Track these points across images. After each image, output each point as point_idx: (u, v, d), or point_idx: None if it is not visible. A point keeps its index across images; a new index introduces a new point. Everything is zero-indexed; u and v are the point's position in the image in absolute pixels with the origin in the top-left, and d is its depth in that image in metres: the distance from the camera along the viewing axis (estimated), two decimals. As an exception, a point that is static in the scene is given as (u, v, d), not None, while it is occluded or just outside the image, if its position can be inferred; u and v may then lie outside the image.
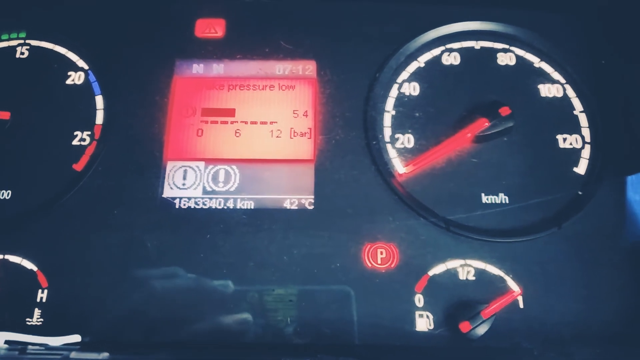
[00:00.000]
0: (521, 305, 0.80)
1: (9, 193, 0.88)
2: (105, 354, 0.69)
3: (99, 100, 0.93)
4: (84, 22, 0.98)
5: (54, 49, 0.97)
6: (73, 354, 0.69)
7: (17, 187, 0.88)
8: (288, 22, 0.97)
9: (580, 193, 0.86)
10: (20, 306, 0.80)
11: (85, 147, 0.90)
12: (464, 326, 0.76)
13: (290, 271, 0.81)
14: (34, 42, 0.98)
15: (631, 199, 0.87)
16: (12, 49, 0.98)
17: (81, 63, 0.96)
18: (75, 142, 0.91)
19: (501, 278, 0.81)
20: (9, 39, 0.98)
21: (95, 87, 0.94)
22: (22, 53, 0.97)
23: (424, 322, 0.79)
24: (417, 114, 0.91)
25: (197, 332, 0.78)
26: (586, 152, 0.90)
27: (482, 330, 0.76)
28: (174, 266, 0.81)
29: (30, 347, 0.71)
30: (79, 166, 0.89)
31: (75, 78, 0.95)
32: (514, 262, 0.82)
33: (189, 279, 0.80)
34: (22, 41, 0.98)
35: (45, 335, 0.75)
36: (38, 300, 0.81)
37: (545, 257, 0.83)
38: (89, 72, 0.95)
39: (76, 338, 0.75)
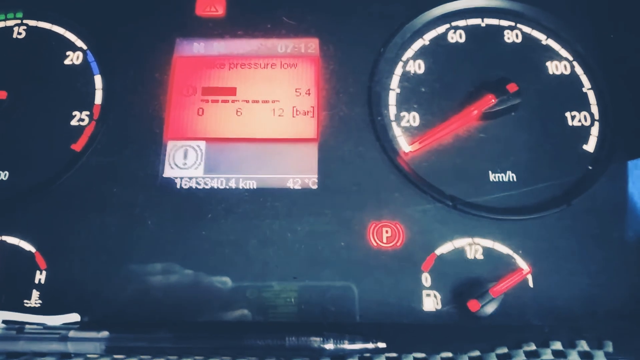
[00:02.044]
0: (531, 284, 0.78)
1: (6, 174, 0.86)
2: (105, 333, 0.68)
3: (98, 80, 0.92)
4: (82, 1, 0.96)
5: (52, 29, 0.95)
6: (72, 333, 0.67)
7: (14, 167, 0.86)
8: (290, -2, 0.95)
9: (590, 168, 0.84)
10: (18, 288, 0.79)
11: (84, 127, 0.89)
12: (473, 304, 0.74)
13: (294, 249, 0.79)
14: (31, 22, 0.96)
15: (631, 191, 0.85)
16: (9, 29, 0.96)
17: (79, 43, 0.94)
18: (73, 122, 0.89)
19: (510, 256, 0.80)
20: (6, 19, 0.97)
21: (94, 66, 0.93)
22: (19, 33, 0.96)
23: (431, 302, 0.78)
24: (422, 90, 0.89)
25: (199, 312, 0.76)
26: (595, 130, 0.88)
27: (490, 308, 0.74)
28: (171, 260, 0.79)
29: (28, 326, 0.70)
30: (77, 146, 0.87)
31: (74, 58, 0.93)
32: (523, 240, 0.80)
33: (186, 274, 0.79)
34: (19, 21, 0.96)
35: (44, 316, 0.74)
36: (36, 282, 0.79)
37: (554, 234, 0.81)
38: (88, 51, 0.94)
39: (75, 317, 0.73)
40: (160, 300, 0.78)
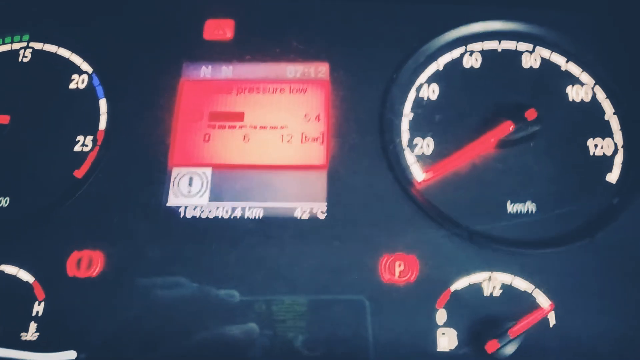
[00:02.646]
0: (553, 322, 0.74)
1: (7, 200, 0.84)
2: (101, 373, 0.64)
3: (103, 104, 0.89)
4: (88, 24, 0.94)
5: (57, 52, 0.94)
6: (66, 373, 0.64)
7: (15, 194, 0.84)
8: (300, 22, 0.92)
9: (615, 201, 0.79)
10: (15, 320, 0.76)
11: (87, 153, 0.86)
12: (491, 346, 0.70)
13: (301, 284, 0.75)
14: (37, 45, 0.95)
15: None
16: (15, 52, 0.95)
17: (85, 66, 0.93)
18: (77, 147, 0.87)
19: (530, 293, 0.75)
20: (12, 42, 0.95)
21: (99, 90, 0.91)
22: (25, 56, 0.94)
23: (446, 341, 0.73)
24: (437, 118, 0.86)
25: (200, 347, 0.72)
26: (619, 158, 0.84)
27: (510, 349, 0.70)
28: (177, 276, 0.76)
29: (21, 364, 0.67)
30: (80, 173, 0.85)
31: (79, 81, 0.92)
32: (544, 276, 0.76)
33: (192, 288, 0.75)
34: (25, 44, 0.95)
35: (40, 351, 0.71)
36: (34, 313, 0.76)
37: (577, 269, 0.76)
38: (93, 75, 0.92)
39: (71, 355, 0.70)
40: (162, 338, 0.74)
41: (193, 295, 0.75)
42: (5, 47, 0.95)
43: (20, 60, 0.94)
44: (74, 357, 0.70)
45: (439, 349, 0.73)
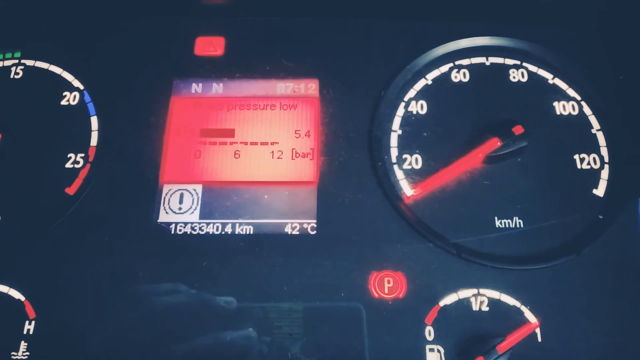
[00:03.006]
0: (539, 339, 0.74)
1: (-2, 217, 0.84)
2: (91, 393, 0.64)
3: (94, 121, 0.90)
4: (80, 42, 0.95)
5: (49, 69, 0.94)
6: (57, 393, 0.64)
7: (6, 211, 0.84)
8: (289, 40, 0.93)
9: (601, 217, 0.80)
10: (5, 339, 0.76)
11: (78, 169, 0.87)
12: (478, 362, 0.70)
13: (291, 302, 0.76)
14: (28, 62, 0.95)
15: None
16: (7, 69, 0.95)
17: (76, 83, 0.93)
18: (68, 164, 0.87)
19: (517, 309, 0.76)
20: (4, 59, 0.96)
21: (91, 107, 0.91)
22: (16, 73, 0.95)
23: (434, 357, 0.74)
24: (425, 134, 0.87)
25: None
26: (605, 173, 0.85)
27: (498, 366, 0.71)
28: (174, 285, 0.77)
29: (11, 384, 0.67)
30: (71, 190, 0.85)
31: (70, 98, 0.92)
32: (531, 292, 0.76)
33: (189, 296, 0.76)
34: (16, 61, 0.95)
35: (31, 371, 0.71)
36: (25, 332, 0.76)
37: (564, 286, 0.77)
38: (85, 92, 0.92)
39: (61, 375, 0.70)
40: (155, 352, 0.74)
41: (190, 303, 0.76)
42: (-3, 64, 0.95)
43: (11, 76, 0.94)
44: (64, 377, 0.70)
45: (428, 365, 0.73)
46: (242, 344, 0.74)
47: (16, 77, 0.94)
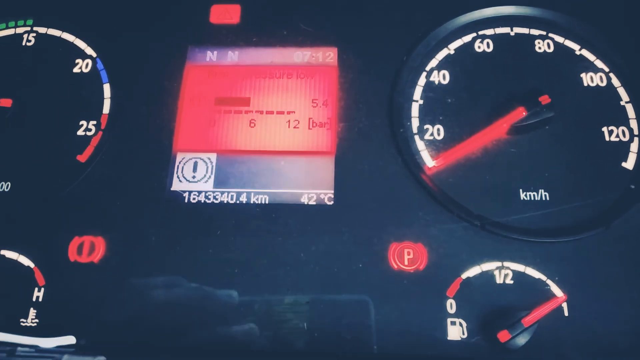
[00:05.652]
0: (566, 313, 0.71)
1: (8, 185, 0.82)
2: (101, 358, 0.62)
3: (107, 89, 0.88)
4: (93, 8, 0.93)
5: (62, 36, 0.92)
6: (66, 357, 0.62)
7: (17, 178, 0.83)
8: (307, 6, 0.90)
9: (632, 187, 0.77)
10: (14, 305, 0.74)
11: (90, 137, 0.85)
12: (503, 335, 0.67)
13: (307, 270, 0.73)
14: (41, 30, 0.93)
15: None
16: (19, 36, 0.93)
17: (89, 50, 0.91)
18: (80, 132, 0.85)
19: (543, 282, 0.73)
20: (16, 27, 0.94)
21: (103, 75, 0.89)
22: (28, 40, 0.93)
23: (456, 331, 0.71)
24: (448, 103, 0.84)
25: (201, 337, 0.70)
26: (635, 146, 0.81)
27: (522, 340, 0.68)
28: (176, 275, 0.75)
29: (20, 348, 0.65)
30: (83, 157, 0.83)
31: (83, 66, 0.90)
32: (558, 265, 0.73)
33: (190, 294, 0.74)
34: (28, 28, 0.94)
35: (40, 337, 0.69)
36: (34, 299, 0.74)
37: (592, 259, 0.74)
38: (97, 59, 0.90)
39: (70, 340, 0.68)
40: (162, 323, 0.72)
41: (194, 291, 0.74)
42: (9, 31, 0.94)
43: (24, 44, 0.93)
44: (73, 343, 0.68)
45: (449, 338, 0.70)
46: (245, 334, 0.71)
47: (28, 44, 0.93)
